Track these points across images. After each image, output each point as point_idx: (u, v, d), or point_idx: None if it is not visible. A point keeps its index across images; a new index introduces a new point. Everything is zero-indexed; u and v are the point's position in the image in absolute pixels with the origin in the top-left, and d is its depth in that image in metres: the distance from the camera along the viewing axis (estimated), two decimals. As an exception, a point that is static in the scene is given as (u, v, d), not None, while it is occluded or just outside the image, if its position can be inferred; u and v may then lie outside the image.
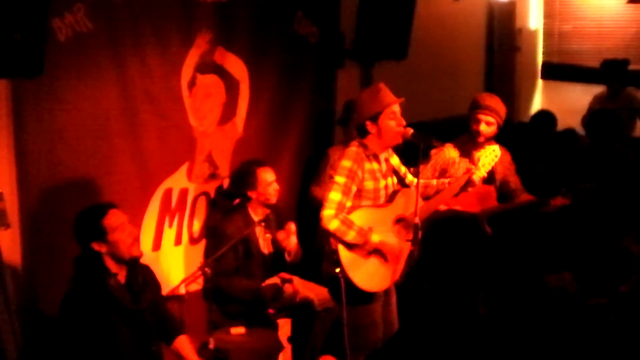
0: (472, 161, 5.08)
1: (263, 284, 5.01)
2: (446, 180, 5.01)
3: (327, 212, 4.50)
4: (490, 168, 4.93)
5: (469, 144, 5.37)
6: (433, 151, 5.41)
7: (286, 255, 5.18)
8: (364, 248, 4.58)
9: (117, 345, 4.02)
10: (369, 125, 4.61)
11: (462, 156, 5.38)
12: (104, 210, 4.04)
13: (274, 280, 5.08)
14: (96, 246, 3.99)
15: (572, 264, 5.84)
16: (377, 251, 4.63)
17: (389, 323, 4.95)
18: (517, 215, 5.72)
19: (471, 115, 5.36)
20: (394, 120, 4.61)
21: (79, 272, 4.06)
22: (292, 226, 5.20)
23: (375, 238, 4.56)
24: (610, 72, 7.80)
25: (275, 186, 5.15)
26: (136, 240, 4.15)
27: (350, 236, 4.50)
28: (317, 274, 5.21)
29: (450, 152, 5.43)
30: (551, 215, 5.61)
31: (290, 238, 5.15)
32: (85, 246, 4.03)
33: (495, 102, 5.34)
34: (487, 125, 5.31)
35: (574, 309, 5.14)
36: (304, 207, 6.09)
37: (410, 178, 4.92)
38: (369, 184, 4.61)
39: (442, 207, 5.18)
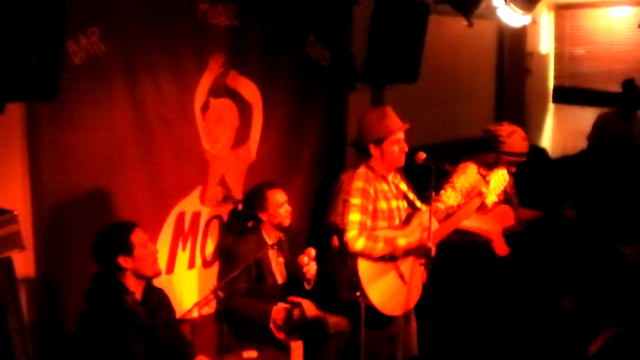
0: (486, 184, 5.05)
1: (274, 308, 4.98)
2: (455, 204, 5.03)
3: (351, 234, 4.53)
4: (500, 191, 4.95)
5: (487, 172, 5.34)
6: (454, 178, 5.40)
7: (305, 285, 5.15)
8: (394, 256, 4.58)
9: (134, 361, 4.05)
10: (372, 148, 4.66)
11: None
12: (131, 227, 4.16)
13: (284, 305, 5.04)
14: (122, 261, 4.06)
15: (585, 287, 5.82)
16: (397, 273, 4.64)
17: (408, 350, 4.95)
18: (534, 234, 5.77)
19: (509, 157, 5.37)
20: (397, 145, 4.66)
21: (96, 289, 4.11)
22: (312, 251, 5.11)
23: (401, 242, 4.59)
24: (631, 93, 7.77)
25: (286, 207, 5.14)
26: (156, 258, 4.24)
27: (379, 248, 4.53)
28: (330, 298, 5.21)
29: (473, 173, 5.41)
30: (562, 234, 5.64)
31: (310, 265, 5.09)
32: (107, 262, 4.08)
33: (527, 145, 5.45)
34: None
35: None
36: (315, 231, 6.08)
37: (419, 204, 4.93)
38: (382, 204, 4.65)
39: (465, 225, 5.19)
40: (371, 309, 4.58)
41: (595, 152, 7.31)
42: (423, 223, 4.75)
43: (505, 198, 5.58)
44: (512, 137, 5.40)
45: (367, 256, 4.57)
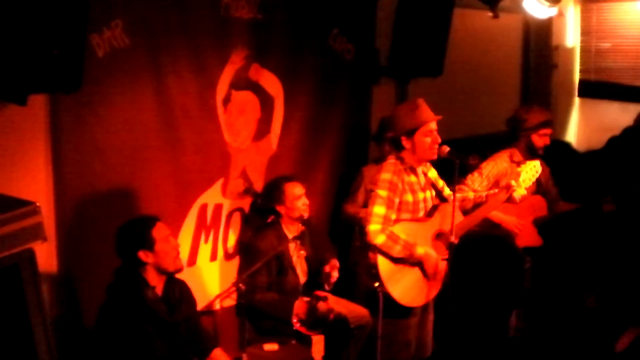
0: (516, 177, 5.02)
1: (297, 302, 4.97)
2: (483, 194, 5.00)
3: (374, 227, 4.51)
4: (530, 184, 4.92)
5: (522, 159, 5.41)
6: (483, 164, 5.47)
7: (326, 287, 5.13)
8: (408, 261, 4.57)
9: (154, 357, 4.04)
10: (404, 140, 4.62)
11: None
12: (153, 221, 4.13)
13: (308, 298, 5.02)
14: (143, 255, 4.04)
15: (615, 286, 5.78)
16: (417, 266, 4.62)
17: (423, 343, 4.92)
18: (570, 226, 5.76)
19: (536, 131, 5.50)
20: (429, 137, 4.62)
21: (117, 283, 4.10)
22: (337, 262, 5.13)
23: (420, 251, 4.58)
24: None
25: (304, 200, 5.11)
26: (178, 253, 4.21)
27: (396, 250, 4.52)
28: (351, 291, 5.20)
29: (503, 162, 5.46)
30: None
31: (332, 273, 5.08)
32: (128, 256, 4.07)
33: (547, 113, 5.64)
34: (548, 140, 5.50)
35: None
36: (336, 224, 6.07)
37: (447, 191, 4.90)
38: (408, 197, 4.62)
39: (495, 216, 5.23)
40: (390, 298, 4.57)
41: (617, 146, 7.24)
42: (446, 216, 4.73)
43: (540, 189, 5.58)
44: (530, 112, 5.60)
45: (384, 253, 4.56)
